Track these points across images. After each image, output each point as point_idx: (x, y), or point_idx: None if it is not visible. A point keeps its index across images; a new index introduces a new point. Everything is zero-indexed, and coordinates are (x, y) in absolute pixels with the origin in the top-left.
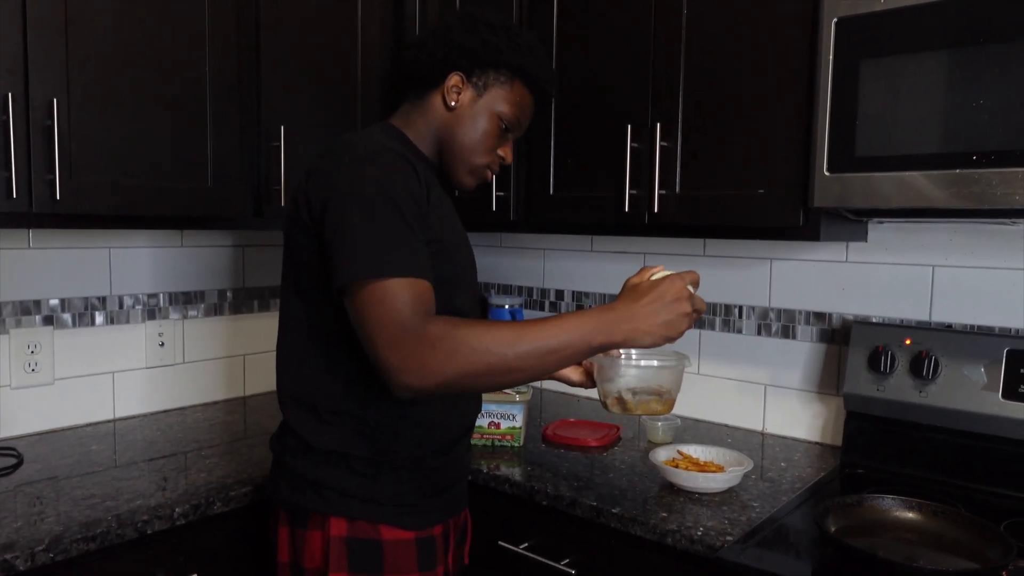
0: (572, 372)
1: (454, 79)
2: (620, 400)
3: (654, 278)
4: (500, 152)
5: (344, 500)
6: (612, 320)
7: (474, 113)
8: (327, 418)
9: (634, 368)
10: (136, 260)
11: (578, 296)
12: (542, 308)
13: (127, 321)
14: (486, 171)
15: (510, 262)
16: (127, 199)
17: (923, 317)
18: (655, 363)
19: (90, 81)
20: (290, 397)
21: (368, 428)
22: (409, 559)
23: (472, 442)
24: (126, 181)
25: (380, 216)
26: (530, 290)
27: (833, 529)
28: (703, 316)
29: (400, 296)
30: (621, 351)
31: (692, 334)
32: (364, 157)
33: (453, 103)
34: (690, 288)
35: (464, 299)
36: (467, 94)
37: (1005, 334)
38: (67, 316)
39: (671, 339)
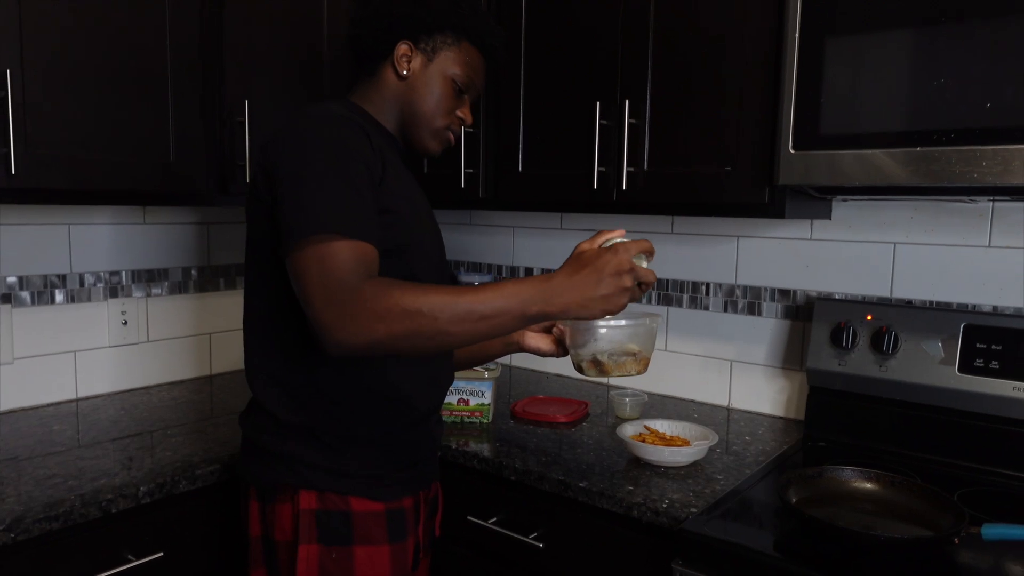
0: (542, 342)
1: (402, 48)
2: (596, 362)
3: (606, 245)
4: (459, 114)
5: (313, 473)
6: (549, 290)
7: (427, 78)
8: (294, 393)
9: (606, 330)
10: (97, 237)
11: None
12: None
13: (88, 299)
14: (448, 134)
15: (480, 240)
16: (86, 174)
17: (884, 293)
18: (626, 324)
19: (45, 52)
20: (258, 373)
21: (335, 403)
22: (379, 530)
23: None
24: (85, 155)
25: (328, 179)
26: (500, 268)
27: (794, 500)
28: (671, 293)
29: (340, 256)
30: None
31: (659, 311)
32: (316, 123)
33: (405, 72)
34: (642, 259)
35: (425, 271)
36: (417, 60)
37: (962, 310)
38: (25, 294)
39: (611, 312)
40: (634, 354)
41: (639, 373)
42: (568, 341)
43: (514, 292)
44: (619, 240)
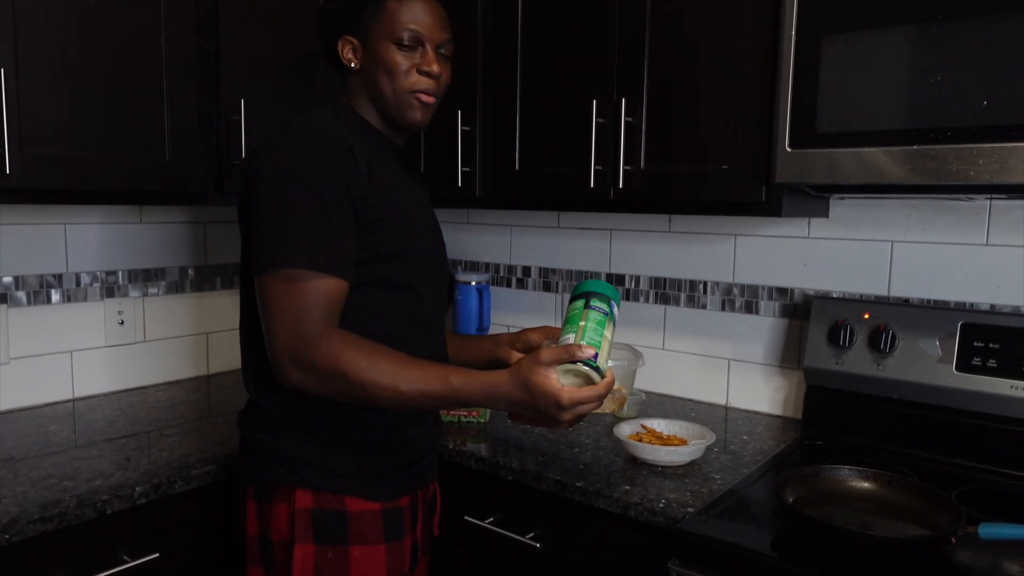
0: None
1: (341, 45)
2: None
3: (562, 369)
4: (423, 68)
5: (309, 472)
6: (491, 400)
7: (372, 56)
8: (289, 394)
9: None
10: (93, 236)
11: (545, 272)
12: (509, 285)
13: (85, 299)
14: (417, 96)
15: (477, 238)
16: (81, 173)
17: (882, 292)
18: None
19: (40, 51)
20: (253, 372)
21: (330, 404)
22: (375, 530)
23: None
24: (80, 155)
25: (305, 207)
26: (497, 267)
27: (791, 499)
28: (668, 292)
29: (308, 296)
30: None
31: (657, 310)
32: (295, 141)
33: (354, 64)
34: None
35: (419, 274)
36: (359, 48)
37: (960, 308)
38: (21, 294)
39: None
40: (611, 391)
41: (614, 411)
42: None
43: (459, 389)
44: (583, 368)
